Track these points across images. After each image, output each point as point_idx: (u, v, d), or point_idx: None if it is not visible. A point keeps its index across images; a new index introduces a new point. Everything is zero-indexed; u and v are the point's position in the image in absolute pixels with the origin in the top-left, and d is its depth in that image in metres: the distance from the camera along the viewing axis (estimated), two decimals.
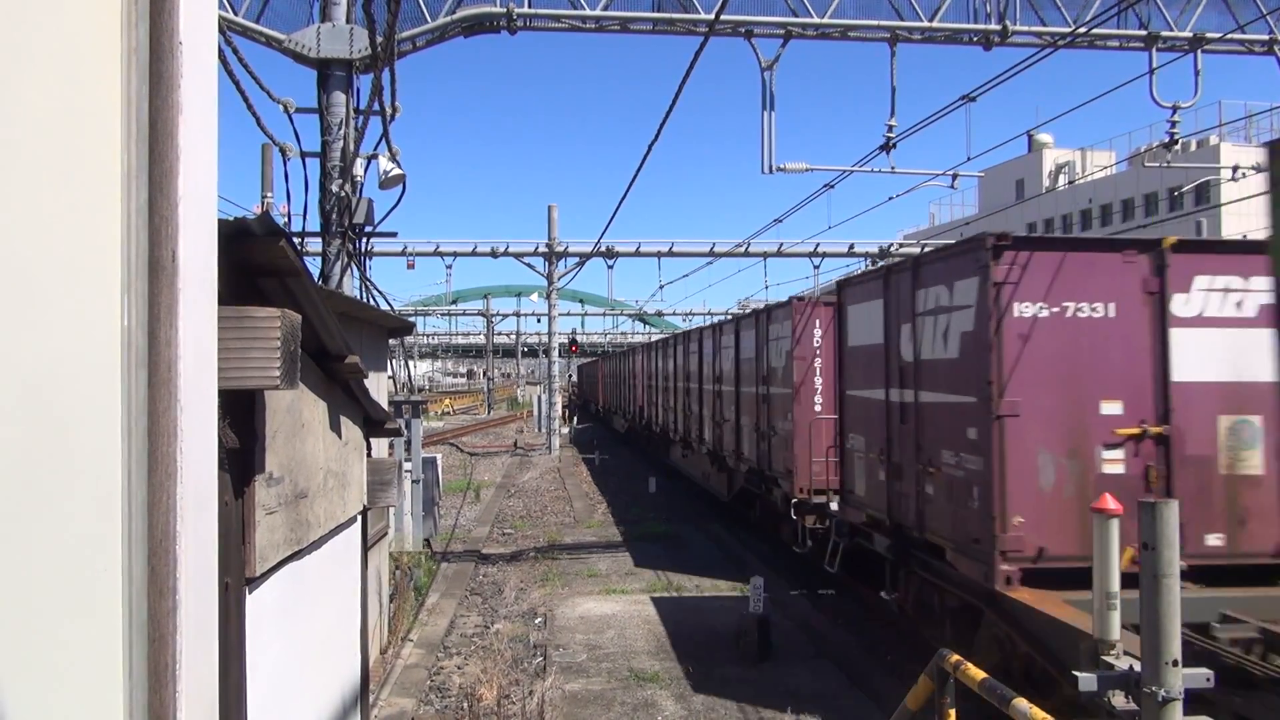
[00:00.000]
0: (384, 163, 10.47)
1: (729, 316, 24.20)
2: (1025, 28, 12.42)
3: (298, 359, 2.97)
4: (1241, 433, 7.42)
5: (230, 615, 3.10)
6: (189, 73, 1.54)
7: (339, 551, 4.88)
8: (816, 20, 12.24)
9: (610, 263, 32.55)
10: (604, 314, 66.33)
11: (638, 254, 32.36)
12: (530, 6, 11.90)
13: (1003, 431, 7.31)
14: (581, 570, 13.77)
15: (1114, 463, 7.40)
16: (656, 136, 9.96)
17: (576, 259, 31.82)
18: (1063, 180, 51.55)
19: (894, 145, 12.28)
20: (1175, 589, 4.42)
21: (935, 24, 12.38)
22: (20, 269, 1.27)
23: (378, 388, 8.50)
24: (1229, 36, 12.60)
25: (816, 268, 32.10)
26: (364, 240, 10.70)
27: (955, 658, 5.21)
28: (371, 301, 10.50)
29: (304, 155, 10.19)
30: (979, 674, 4.99)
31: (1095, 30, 12.25)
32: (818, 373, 13.26)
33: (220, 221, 2.02)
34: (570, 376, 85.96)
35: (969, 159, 14.22)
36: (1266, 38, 12.87)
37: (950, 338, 8.15)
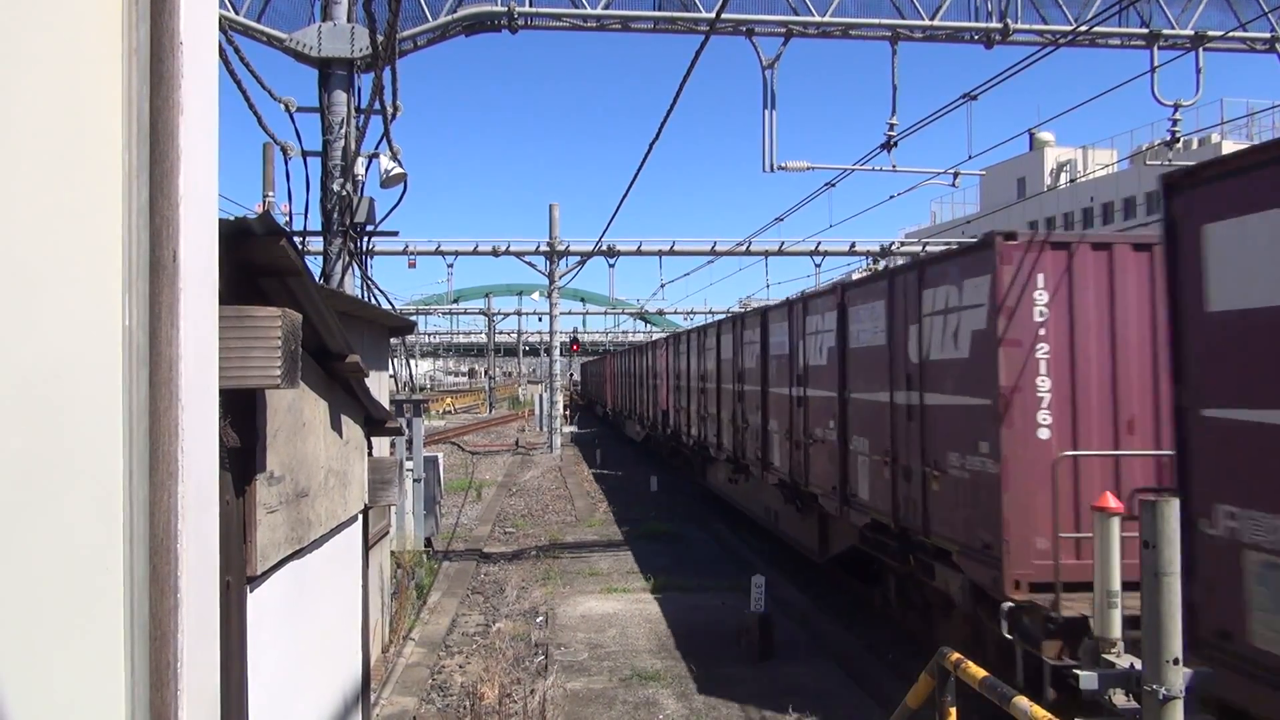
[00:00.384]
0: (385, 162, 10.48)
1: (804, 293, 14.79)
2: (1026, 26, 12.42)
3: (299, 358, 2.97)
4: None
5: (231, 614, 3.10)
6: (190, 72, 1.54)
7: (340, 550, 4.89)
8: (818, 19, 12.24)
9: (611, 261, 32.57)
10: (605, 313, 66.32)
11: (639, 253, 32.33)
12: (531, 5, 11.90)
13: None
14: (583, 569, 13.78)
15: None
16: (658, 135, 9.96)
17: (578, 258, 31.84)
18: (1064, 178, 51.48)
19: (895, 144, 12.27)
20: (1176, 587, 4.42)
21: (936, 22, 12.38)
22: (21, 269, 1.27)
23: (379, 387, 8.50)
24: (1230, 34, 12.59)
25: (818, 266, 32.14)
26: (365, 239, 10.72)
27: (956, 656, 5.21)
28: (373, 300, 10.51)
29: (305, 154, 10.20)
30: (980, 672, 5.00)
31: (1096, 28, 12.24)
32: (1043, 369, 7.66)
33: (221, 221, 2.02)
34: (572, 375, 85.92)
35: (970, 157, 14.20)
36: (1268, 36, 12.87)
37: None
